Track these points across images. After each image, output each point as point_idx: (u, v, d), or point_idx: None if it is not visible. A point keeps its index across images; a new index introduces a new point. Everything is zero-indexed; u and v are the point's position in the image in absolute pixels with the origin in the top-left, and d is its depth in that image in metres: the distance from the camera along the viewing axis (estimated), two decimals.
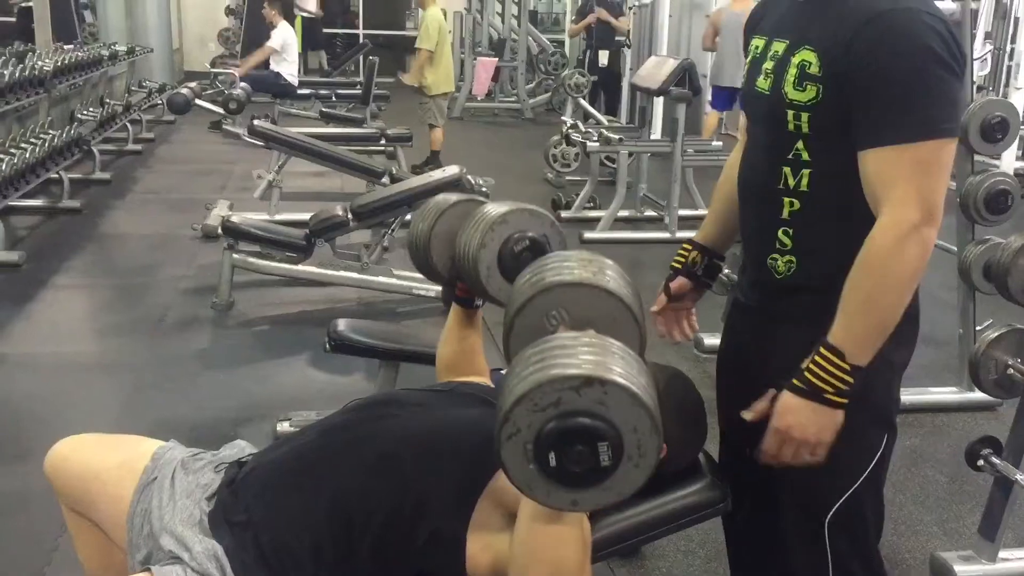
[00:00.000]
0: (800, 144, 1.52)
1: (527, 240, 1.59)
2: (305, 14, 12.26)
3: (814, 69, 1.47)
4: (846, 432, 1.49)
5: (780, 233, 1.58)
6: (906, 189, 1.38)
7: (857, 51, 1.42)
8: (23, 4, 11.46)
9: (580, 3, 10.31)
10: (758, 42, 1.63)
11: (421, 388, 1.78)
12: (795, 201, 1.55)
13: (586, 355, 1.15)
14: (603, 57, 9.30)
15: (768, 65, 1.56)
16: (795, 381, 1.45)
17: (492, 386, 1.77)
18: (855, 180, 1.46)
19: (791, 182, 1.55)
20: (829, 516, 1.60)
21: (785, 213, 1.57)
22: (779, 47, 1.55)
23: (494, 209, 1.63)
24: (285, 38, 9.30)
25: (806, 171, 1.53)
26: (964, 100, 1.47)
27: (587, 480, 1.14)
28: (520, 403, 1.13)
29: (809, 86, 1.48)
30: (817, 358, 1.43)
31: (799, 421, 1.45)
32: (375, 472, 1.49)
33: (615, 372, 1.13)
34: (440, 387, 1.80)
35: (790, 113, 1.51)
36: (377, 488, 1.47)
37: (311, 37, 12.59)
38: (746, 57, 1.68)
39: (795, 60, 1.50)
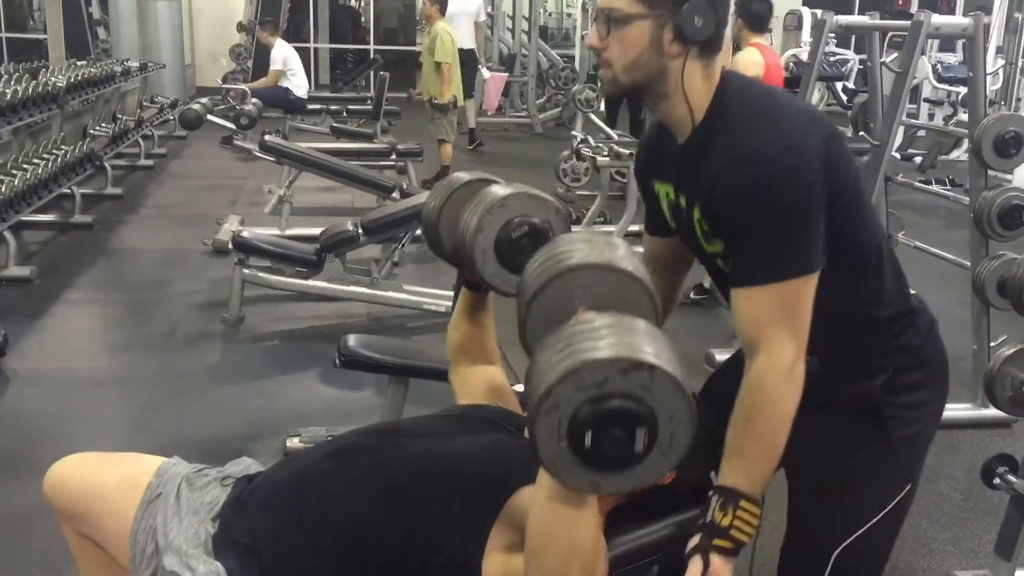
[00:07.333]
0: None
1: (527, 226, 1.51)
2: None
3: (707, 226, 1.49)
4: (871, 472, 1.53)
5: None
6: (779, 329, 1.41)
7: (718, 198, 1.42)
8: None
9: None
10: (666, 189, 1.60)
11: (430, 415, 1.75)
12: None
13: (634, 338, 1.13)
14: None
15: (687, 220, 1.55)
16: (720, 543, 1.41)
17: (504, 408, 1.73)
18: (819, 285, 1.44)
19: None
20: (836, 553, 1.58)
21: None
22: (683, 200, 1.55)
23: (495, 192, 1.55)
24: (286, 55, 9.39)
25: None
26: (836, 221, 1.46)
27: (615, 464, 1.12)
28: (566, 379, 1.09)
29: (714, 240, 1.50)
30: (740, 513, 1.41)
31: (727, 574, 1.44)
32: (385, 503, 1.46)
33: (663, 359, 1.11)
34: (450, 411, 1.77)
35: (719, 262, 1.52)
36: (388, 519, 1.45)
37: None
38: (657, 203, 1.65)
39: (695, 218, 1.51)
